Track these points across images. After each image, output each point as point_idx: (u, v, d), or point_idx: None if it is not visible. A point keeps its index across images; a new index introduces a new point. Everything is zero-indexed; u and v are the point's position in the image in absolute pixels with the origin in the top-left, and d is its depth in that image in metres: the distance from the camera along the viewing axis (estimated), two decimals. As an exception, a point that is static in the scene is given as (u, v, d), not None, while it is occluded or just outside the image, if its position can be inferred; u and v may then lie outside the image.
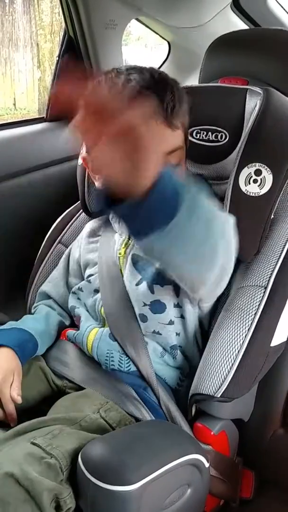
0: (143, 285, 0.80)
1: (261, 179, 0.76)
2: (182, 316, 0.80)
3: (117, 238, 0.86)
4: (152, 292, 0.80)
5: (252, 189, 0.77)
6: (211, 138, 0.87)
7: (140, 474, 0.57)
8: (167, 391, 0.78)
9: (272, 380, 0.90)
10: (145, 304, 0.79)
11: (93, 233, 0.93)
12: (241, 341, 0.73)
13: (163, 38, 1.44)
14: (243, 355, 0.73)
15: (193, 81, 1.36)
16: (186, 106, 0.76)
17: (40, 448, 0.60)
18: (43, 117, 1.30)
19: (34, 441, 0.61)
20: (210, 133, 0.87)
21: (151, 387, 0.76)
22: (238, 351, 0.73)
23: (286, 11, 1.21)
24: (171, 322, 0.79)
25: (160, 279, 0.79)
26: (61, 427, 0.65)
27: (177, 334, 0.80)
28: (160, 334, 0.79)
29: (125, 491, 0.55)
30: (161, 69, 1.48)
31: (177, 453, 0.62)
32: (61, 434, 0.63)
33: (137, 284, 0.80)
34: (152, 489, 0.59)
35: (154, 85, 0.72)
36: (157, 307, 0.79)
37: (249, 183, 0.77)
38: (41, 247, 1.01)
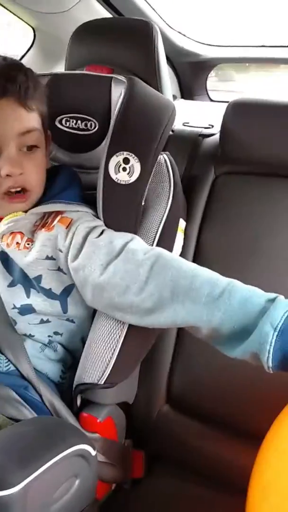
0: (18, 287, 0.77)
1: (129, 167, 0.78)
2: (56, 314, 0.79)
3: None
4: (28, 296, 0.78)
5: (122, 177, 0.78)
6: (81, 127, 0.86)
7: (21, 475, 0.54)
8: (50, 386, 0.76)
9: (154, 360, 0.93)
10: (14, 307, 0.77)
11: None
12: (121, 326, 0.74)
13: (27, 24, 1.39)
14: (123, 340, 0.74)
15: (59, 68, 1.34)
16: (42, 93, 0.76)
17: None
18: None
19: None
20: (79, 122, 0.86)
21: (32, 385, 0.74)
22: (119, 336, 0.74)
23: (148, 3, 1.25)
24: (44, 321, 0.78)
25: (32, 282, 0.77)
26: None
27: (55, 332, 0.79)
28: (33, 335, 0.78)
29: (7, 496, 0.53)
30: (27, 56, 1.43)
31: (60, 447, 0.61)
32: None
33: (9, 286, 0.78)
34: (37, 487, 0.57)
35: (6, 67, 0.72)
36: (27, 309, 0.78)
37: (119, 171, 0.78)
38: None
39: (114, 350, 0.73)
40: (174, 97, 1.53)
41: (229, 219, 0.97)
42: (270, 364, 0.60)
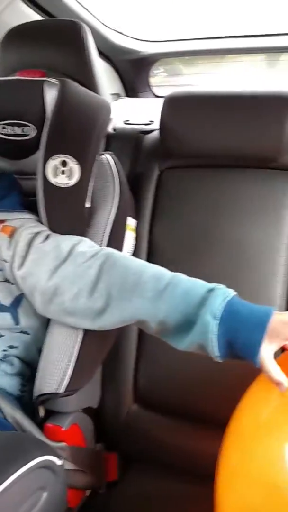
0: None
1: (68, 170, 0.77)
2: (7, 327, 0.77)
3: None
4: None
5: (62, 181, 0.77)
6: (18, 133, 0.84)
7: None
8: (10, 400, 0.75)
9: (118, 360, 0.93)
10: None
11: None
12: (76, 332, 0.73)
13: None
14: (80, 345, 0.73)
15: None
16: None
17: None
18: None
19: None
20: (16, 128, 0.84)
21: (-9, 401, 0.72)
22: (75, 342, 0.73)
23: (79, 2, 1.23)
24: None
25: None
26: None
27: (10, 346, 0.77)
28: None
29: None
30: None
31: (22, 461, 0.60)
32: None
33: None
34: (1, 504, 0.56)
35: None
36: None
37: (58, 175, 0.77)
38: None
39: (70, 356, 0.72)
40: (118, 95, 1.52)
41: (177, 213, 0.97)
42: (216, 353, 0.60)
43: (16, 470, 0.58)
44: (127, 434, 0.94)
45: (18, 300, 0.76)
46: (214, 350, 0.60)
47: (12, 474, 0.58)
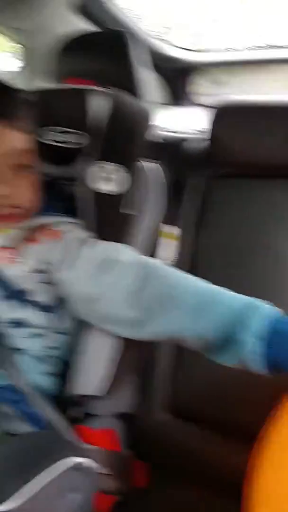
0: (9, 301, 0.77)
1: (114, 177, 0.78)
2: (49, 327, 0.78)
3: None
4: (20, 309, 0.77)
5: (107, 188, 0.78)
6: (62, 139, 0.87)
7: (14, 490, 0.54)
8: (46, 399, 0.76)
9: (154, 369, 0.93)
10: (6, 320, 0.77)
11: None
12: (112, 338, 0.74)
13: (12, 41, 1.40)
14: (116, 351, 0.74)
15: (42, 83, 1.34)
16: (30, 111, 0.76)
17: None
18: None
19: None
20: (61, 134, 0.87)
21: (28, 399, 0.74)
22: (111, 347, 0.74)
23: (126, 13, 1.26)
24: (37, 335, 0.78)
25: (24, 296, 0.77)
26: None
27: (49, 346, 0.79)
28: (26, 349, 0.78)
29: (3, 512, 0.53)
30: (12, 72, 1.44)
31: (56, 461, 0.61)
32: None
33: (0, 300, 0.77)
34: (33, 506, 0.57)
35: None
36: (20, 323, 0.77)
37: (104, 182, 0.78)
38: None
39: (106, 361, 0.73)
40: (161, 103, 1.53)
41: (223, 223, 0.97)
42: (259, 369, 0.59)
43: (49, 472, 0.59)
44: (158, 443, 0.94)
45: (60, 302, 0.78)
46: (258, 368, 0.59)
47: (44, 476, 0.59)
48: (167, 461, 0.94)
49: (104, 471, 0.78)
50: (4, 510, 0.53)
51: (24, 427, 0.72)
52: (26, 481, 0.56)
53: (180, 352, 0.93)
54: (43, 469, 0.58)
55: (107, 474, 0.79)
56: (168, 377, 0.94)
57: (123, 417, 0.84)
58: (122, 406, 0.83)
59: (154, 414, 0.94)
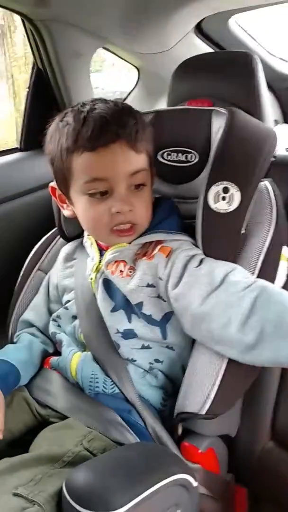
0: (120, 312, 0.81)
1: (229, 196, 0.78)
2: (156, 340, 0.80)
3: (89, 262, 0.87)
4: (129, 321, 0.80)
5: (221, 206, 0.78)
6: (181, 159, 0.89)
7: (125, 498, 0.56)
8: (152, 412, 0.78)
9: (258, 394, 0.90)
10: (118, 331, 0.80)
11: (69, 257, 0.94)
12: (222, 358, 0.73)
13: (131, 64, 1.48)
14: (224, 372, 0.73)
15: (162, 105, 1.39)
16: (149, 133, 0.80)
17: (23, 498, 0.60)
18: (17, 147, 1.32)
19: (16, 492, 0.61)
20: (180, 154, 0.89)
21: (136, 409, 0.76)
22: (220, 368, 0.73)
23: (247, 32, 1.26)
24: (145, 347, 0.80)
25: (134, 308, 0.80)
26: (43, 469, 0.65)
27: (156, 359, 0.80)
28: (135, 360, 0.80)
29: (111, 517, 0.55)
30: (132, 94, 1.52)
31: (163, 475, 0.62)
32: (44, 478, 0.63)
33: (112, 311, 0.81)
34: (140, 512, 0.58)
35: (118, 112, 0.76)
36: (130, 334, 0.80)
37: (218, 201, 0.78)
38: (20, 275, 1.01)
39: (214, 381, 0.72)
40: (276, 122, 1.51)
41: None
42: None
43: (158, 482, 0.60)
44: (260, 470, 0.90)
45: (168, 316, 0.80)
46: None
47: (153, 485, 0.60)
48: (268, 490, 0.90)
49: (205, 491, 0.77)
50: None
51: (129, 437, 0.74)
52: (139, 492, 0.57)
53: (285, 378, 0.89)
54: (155, 482, 0.59)
55: (208, 495, 0.78)
56: (272, 404, 0.91)
57: (226, 439, 0.83)
58: (227, 428, 0.82)
59: (256, 440, 0.91)
